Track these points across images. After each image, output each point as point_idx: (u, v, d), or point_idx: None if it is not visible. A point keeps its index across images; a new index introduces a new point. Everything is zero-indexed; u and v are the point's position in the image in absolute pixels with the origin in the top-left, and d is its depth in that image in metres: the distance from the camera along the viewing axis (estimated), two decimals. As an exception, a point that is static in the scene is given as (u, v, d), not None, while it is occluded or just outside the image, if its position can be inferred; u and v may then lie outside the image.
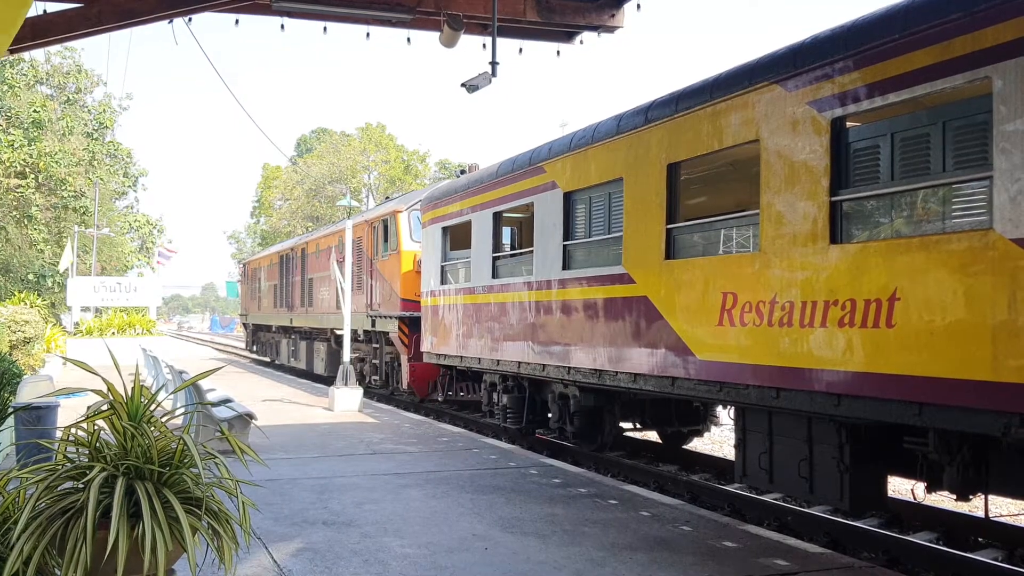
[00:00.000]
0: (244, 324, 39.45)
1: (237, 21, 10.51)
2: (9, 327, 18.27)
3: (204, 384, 10.92)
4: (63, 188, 40.00)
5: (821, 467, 7.38)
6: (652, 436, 12.86)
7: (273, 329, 31.64)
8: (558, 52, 11.39)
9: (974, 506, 8.74)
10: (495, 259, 12.96)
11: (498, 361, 12.59)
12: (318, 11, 10.10)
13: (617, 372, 9.69)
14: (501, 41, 10.26)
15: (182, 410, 4.94)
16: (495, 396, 13.26)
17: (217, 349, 47.35)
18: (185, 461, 3.87)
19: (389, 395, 18.97)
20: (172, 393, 8.42)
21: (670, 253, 8.92)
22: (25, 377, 11.82)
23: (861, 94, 6.74)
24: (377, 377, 19.36)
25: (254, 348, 35.91)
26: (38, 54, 40.54)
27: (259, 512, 6.10)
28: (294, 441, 11.33)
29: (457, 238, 14.71)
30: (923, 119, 6.56)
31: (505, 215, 13.17)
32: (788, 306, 7.30)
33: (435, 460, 10.05)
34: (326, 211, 58.00)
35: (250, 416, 10.57)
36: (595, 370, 10.11)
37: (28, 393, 10.06)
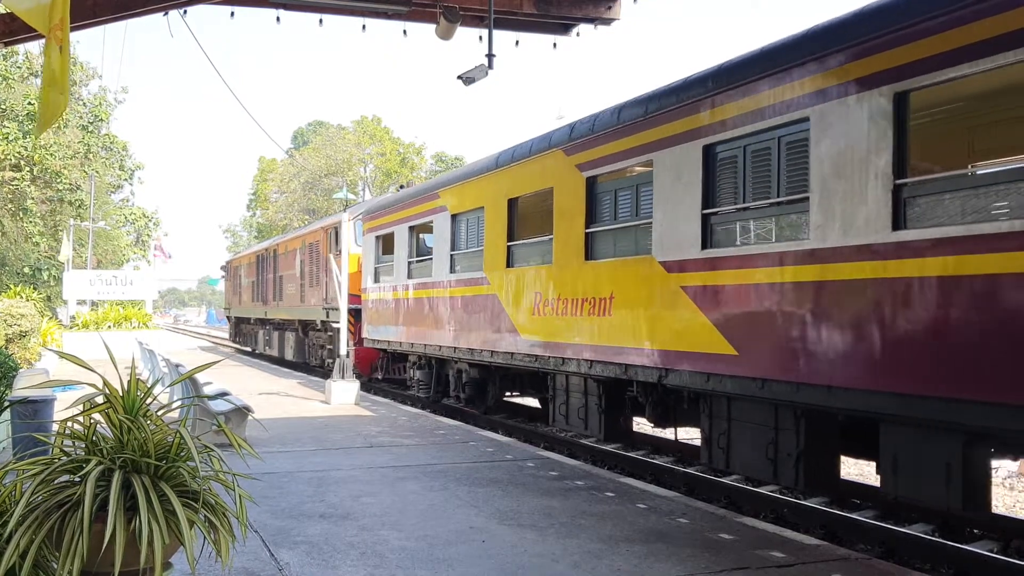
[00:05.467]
0: (228, 317, 43.36)
1: (232, 13, 10.47)
2: (5, 320, 18.21)
3: (200, 377, 10.90)
4: (58, 181, 39.85)
5: (591, 412, 10.68)
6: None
7: (252, 321, 35.08)
8: (555, 44, 11.35)
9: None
10: (409, 263, 16.39)
11: (412, 344, 15.99)
12: (314, 3, 10.05)
13: (483, 351, 13.02)
14: (498, 33, 10.23)
15: (178, 403, 4.93)
16: (412, 372, 16.75)
17: (211, 341, 47.56)
18: (182, 454, 3.86)
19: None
20: (169, 386, 8.41)
21: (509, 263, 12.34)
22: (21, 371, 11.80)
23: (599, 163, 10.19)
24: (332, 360, 21.82)
25: (237, 339, 39.02)
26: (33, 46, 40.35)
27: (256, 505, 6.09)
28: (291, 434, 11.33)
29: (386, 245, 18.17)
30: (628, 183, 10.01)
31: (419, 229, 16.36)
32: (566, 302, 10.72)
33: (432, 453, 10.06)
34: (322, 204, 57.86)
35: (247, 409, 10.55)
36: (470, 349, 13.49)
37: (24, 386, 10.03)
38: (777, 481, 7.92)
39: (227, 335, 49.54)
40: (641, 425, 12.40)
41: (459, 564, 5.55)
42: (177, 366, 12.42)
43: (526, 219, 12.76)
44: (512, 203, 12.25)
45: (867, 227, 6.60)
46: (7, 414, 8.66)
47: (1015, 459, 7.22)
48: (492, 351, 12.60)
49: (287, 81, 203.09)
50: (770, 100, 7.60)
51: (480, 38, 10.33)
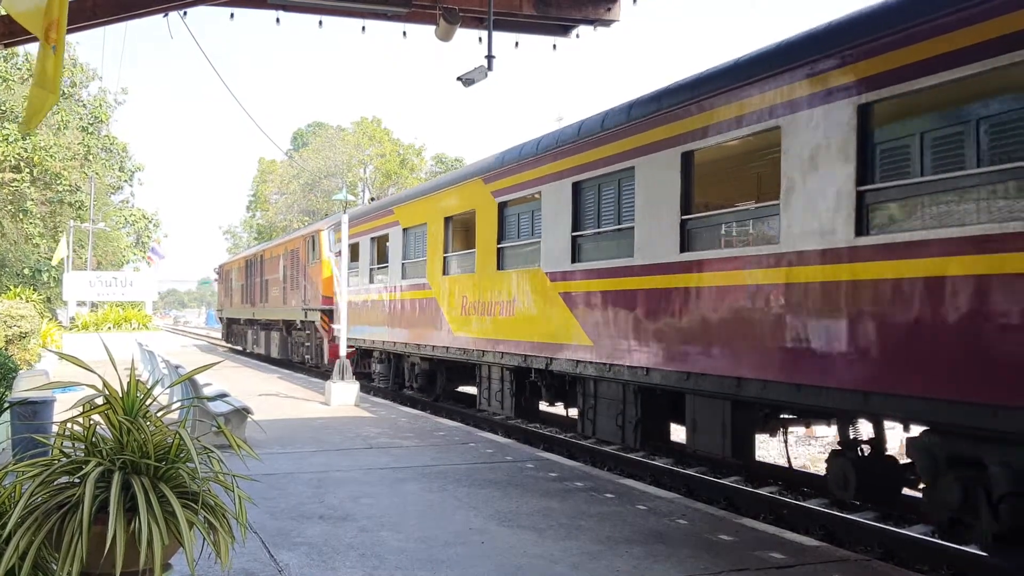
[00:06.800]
0: (220, 318, 46.53)
1: (232, 15, 10.46)
2: (5, 322, 18.21)
3: (200, 379, 10.90)
4: (58, 182, 39.83)
5: (505, 395, 12.84)
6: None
7: (241, 322, 37.66)
8: (554, 46, 11.33)
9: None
10: (371, 270, 18.99)
11: (374, 341, 18.48)
12: (314, 4, 10.04)
13: (427, 345, 15.35)
14: (497, 35, 10.20)
15: (178, 405, 4.93)
16: (374, 366, 19.34)
17: (209, 342, 47.82)
18: (181, 456, 3.85)
19: (322, 372, 22.93)
20: (168, 388, 8.41)
21: (446, 271, 14.66)
22: (21, 372, 11.81)
23: (507, 191, 12.48)
24: (309, 356, 25.39)
25: (230, 339, 41.53)
26: (33, 48, 40.23)
27: (256, 506, 6.08)
28: (290, 435, 11.34)
29: (353, 253, 20.29)
30: (528, 208, 12.16)
31: (379, 240, 18.80)
32: (485, 304, 12.92)
33: (431, 454, 10.07)
34: (322, 205, 57.79)
35: (247, 411, 10.56)
36: (418, 345, 15.77)
37: (24, 388, 10.03)
38: (624, 444, 10.32)
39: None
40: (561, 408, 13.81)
41: (458, 565, 5.55)
42: (177, 367, 12.42)
43: (458, 234, 14.98)
44: (448, 220, 14.69)
45: (666, 249, 8.99)
46: (7, 415, 8.66)
47: (805, 426, 9.47)
48: (434, 346, 14.97)
49: (287, 82, 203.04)
50: (612, 151, 10.02)
51: (480, 39, 10.31)
